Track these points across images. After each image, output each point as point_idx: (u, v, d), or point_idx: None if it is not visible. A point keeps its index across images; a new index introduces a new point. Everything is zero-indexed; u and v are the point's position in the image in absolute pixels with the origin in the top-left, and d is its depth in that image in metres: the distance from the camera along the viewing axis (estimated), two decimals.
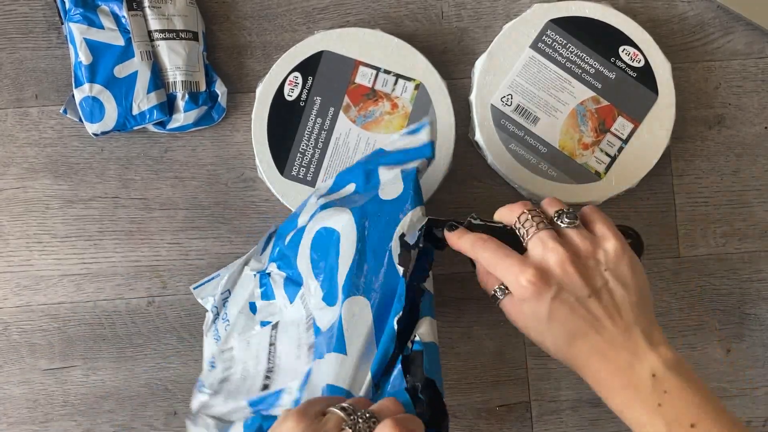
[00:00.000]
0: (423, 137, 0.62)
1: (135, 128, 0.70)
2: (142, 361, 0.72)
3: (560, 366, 0.72)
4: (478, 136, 0.71)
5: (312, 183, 0.70)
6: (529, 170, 0.70)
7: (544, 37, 0.71)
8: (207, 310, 0.70)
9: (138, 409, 0.71)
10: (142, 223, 0.72)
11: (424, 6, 0.74)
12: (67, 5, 0.68)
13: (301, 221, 0.63)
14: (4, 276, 0.72)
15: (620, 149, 0.71)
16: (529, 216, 0.45)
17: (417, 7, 0.74)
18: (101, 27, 0.68)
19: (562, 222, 0.45)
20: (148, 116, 0.70)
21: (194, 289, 0.70)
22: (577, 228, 0.45)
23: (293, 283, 0.63)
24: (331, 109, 0.70)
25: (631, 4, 0.74)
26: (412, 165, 0.61)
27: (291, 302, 0.62)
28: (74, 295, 0.72)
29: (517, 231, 0.46)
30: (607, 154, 0.71)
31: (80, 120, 0.70)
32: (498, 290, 0.47)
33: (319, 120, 0.70)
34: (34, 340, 0.72)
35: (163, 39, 0.70)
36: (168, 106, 0.70)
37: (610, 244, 0.44)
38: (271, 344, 0.62)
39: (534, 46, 0.71)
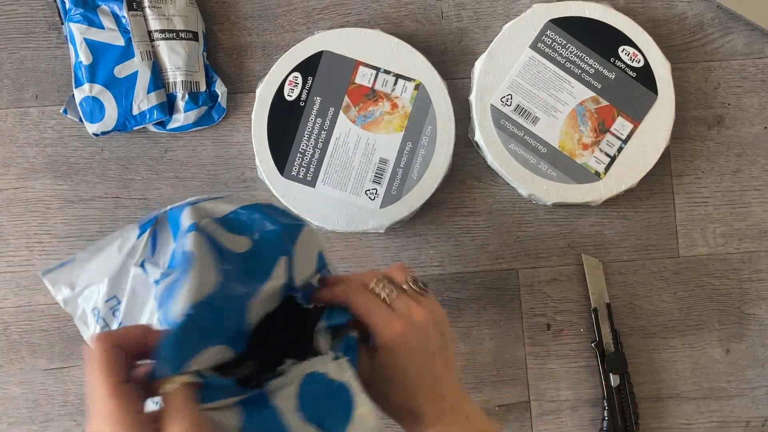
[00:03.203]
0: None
1: (135, 128, 0.70)
2: None
3: (560, 366, 0.72)
4: (478, 136, 0.71)
5: (312, 183, 0.70)
6: (528, 170, 0.70)
7: (543, 38, 0.71)
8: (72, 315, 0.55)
9: None
10: None
11: (424, 6, 0.74)
12: (68, 5, 0.69)
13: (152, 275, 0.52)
14: (4, 276, 0.72)
15: (620, 149, 0.71)
16: (385, 282, 0.51)
17: (417, 8, 0.74)
18: (101, 27, 0.69)
19: (416, 288, 0.52)
20: (148, 116, 0.70)
21: (44, 275, 0.54)
22: (427, 296, 0.52)
23: None
24: (331, 109, 0.70)
25: (631, 5, 0.74)
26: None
27: None
28: None
29: (377, 294, 0.51)
30: (607, 154, 0.71)
31: (80, 120, 0.70)
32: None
33: (319, 120, 0.70)
34: (34, 340, 0.72)
35: (163, 39, 0.70)
36: (168, 106, 0.70)
37: (442, 312, 0.53)
38: None
39: (534, 46, 0.71)
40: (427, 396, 0.50)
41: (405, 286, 0.52)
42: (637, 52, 0.71)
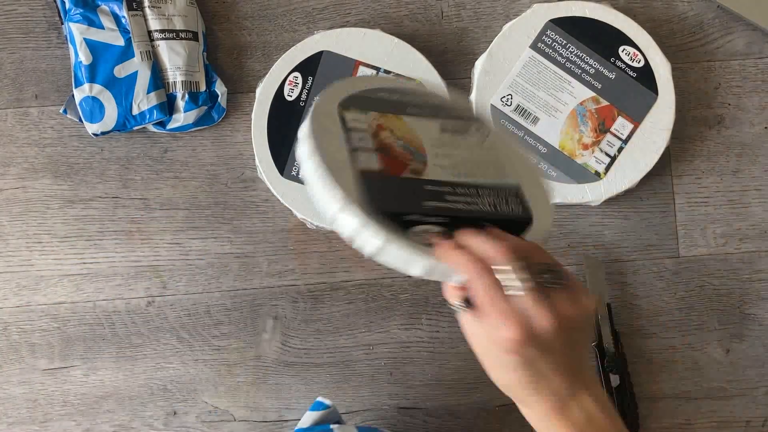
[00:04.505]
0: None
1: (135, 128, 0.70)
2: (141, 361, 0.72)
3: None
4: None
5: None
6: None
7: (543, 38, 0.71)
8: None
9: (137, 409, 0.71)
10: (142, 223, 0.72)
11: (424, 6, 0.74)
12: (67, 5, 0.68)
13: None
14: (4, 276, 0.72)
15: (620, 149, 0.71)
16: (518, 267, 0.42)
17: (417, 8, 0.74)
18: (101, 27, 0.69)
19: (547, 281, 0.43)
20: (148, 116, 0.70)
21: None
22: (564, 289, 0.43)
23: None
24: None
25: (631, 5, 0.74)
26: None
27: None
28: (74, 295, 0.72)
29: (499, 278, 0.42)
30: (607, 154, 0.71)
31: (80, 120, 0.70)
32: (460, 305, 0.45)
33: None
34: (34, 340, 0.72)
35: (163, 39, 0.70)
36: (168, 106, 0.70)
37: (588, 313, 0.44)
38: None
39: (534, 46, 0.71)
40: (531, 394, 0.45)
41: (542, 273, 0.43)
42: (637, 52, 0.71)
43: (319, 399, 0.61)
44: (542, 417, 0.45)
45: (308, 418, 0.61)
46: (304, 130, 0.47)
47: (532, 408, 0.46)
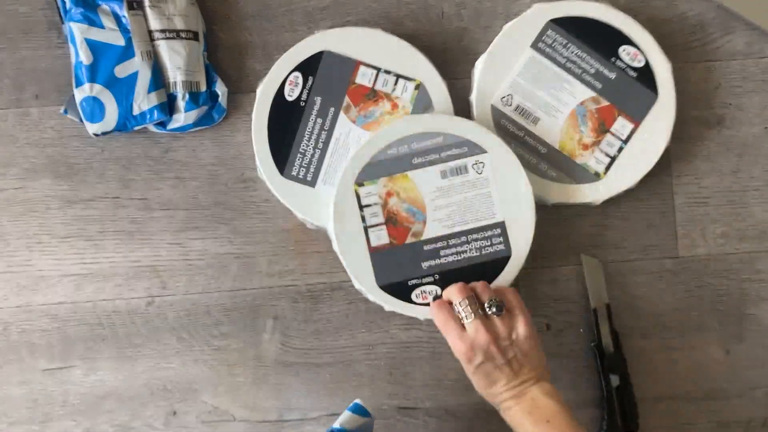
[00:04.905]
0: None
1: (135, 128, 0.70)
2: (141, 361, 0.72)
3: (559, 366, 0.72)
4: None
5: (312, 183, 0.70)
6: (528, 170, 0.70)
7: (544, 37, 0.71)
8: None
9: (138, 408, 0.71)
10: (143, 223, 0.72)
11: (424, 6, 0.74)
12: (68, 5, 0.68)
13: None
14: (4, 276, 0.72)
15: (620, 149, 0.71)
16: (467, 303, 0.62)
17: (417, 7, 0.74)
18: (102, 27, 0.68)
19: (491, 311, 0.62)
20: (148, 116, 0.69)
21: None
22: (501, 316, 0.62)
23: None
24: (332, 109, 0.70)
25: (632, 4, 0.74)
26: None
27: None
28: (74, 295, 0.72)
29: (457, 312, 0.63)
30: (607, 155, 0.71)
31: (81, 120, 0.70)
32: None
33: (319, 120, 0.70)
34: (34, 340, 0.72)
35: (163, 39, 0.70)
36: (168, 107, 0.70)
37: (521, 329, 0.62)
38: None
39: (534, 46, 0.71)
40: (490, 391, 0.63)
41: (486, 306, 0.62)
42: (637, 52, 0.71)
43: (359, 402, 0.63)
44: (507, 407, 0.62)
45: (350, 419, 0.62)
46: (329, 212, 0.67)
47: (500, 405, 0.63)
